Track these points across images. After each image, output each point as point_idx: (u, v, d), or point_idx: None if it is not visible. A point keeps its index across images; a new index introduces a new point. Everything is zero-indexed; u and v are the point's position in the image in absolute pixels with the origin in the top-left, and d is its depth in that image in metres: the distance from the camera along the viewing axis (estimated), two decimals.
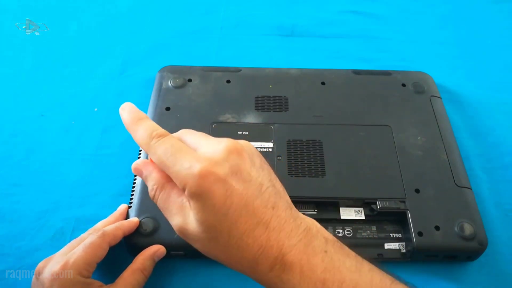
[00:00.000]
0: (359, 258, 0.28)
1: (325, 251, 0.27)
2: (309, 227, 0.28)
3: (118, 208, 0.41)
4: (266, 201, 0.27)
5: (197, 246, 0.28)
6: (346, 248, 0.28)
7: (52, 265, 0.33)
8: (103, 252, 0.35)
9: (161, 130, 0.29)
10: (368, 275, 0.27)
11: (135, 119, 0.30)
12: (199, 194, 0.26)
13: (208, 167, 0.26)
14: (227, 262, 0.28)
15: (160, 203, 0.29)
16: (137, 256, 0.37)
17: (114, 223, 0.38)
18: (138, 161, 0.31)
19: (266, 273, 0.27)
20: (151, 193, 0.29)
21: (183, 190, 0.27)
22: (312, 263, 0.26)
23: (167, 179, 0.28)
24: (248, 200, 0.26)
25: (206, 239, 0.27)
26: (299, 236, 0.27)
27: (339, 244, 0.28)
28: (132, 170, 0.31)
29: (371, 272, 0.27)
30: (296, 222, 0.28)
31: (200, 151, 0.28)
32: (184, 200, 0.27)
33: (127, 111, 0.31)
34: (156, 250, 0.37)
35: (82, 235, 0.37)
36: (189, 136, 0.30)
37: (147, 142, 0.28)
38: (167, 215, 0.29)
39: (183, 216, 0.27)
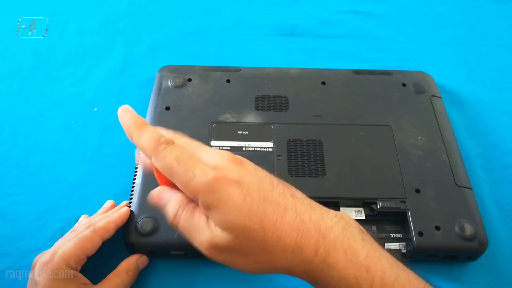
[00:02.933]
0: (392, 255, 0.28)
1: (362, 239, 0.27)
2: (340, 214, 0.28)
3: (120, 205, 0.41)
4: (282, 193, 0.27)
5: (234, 258, 0.27)
6: (378, 242, 0.28)
7: (43, 255, 0.35)
8: (93, 245, 0.36)
9: (167, 137, 0.28)
10: (405, 271, 0.27)
11: (138, 124, 0.29)
12: (217, 199, 0.25)
13: (221, 172, 0.26)
14: (271, 262, 0.27)
15: (183, 222, 0.28)
16: (123, 261, 0.38)
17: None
18: (156, 190, 0.30)
19: (311, 260, 0.26)
20: (171, 215, 0.28)
21: (196, 199, 0.26)
22: (354, 247, 0.26)
23: (189, 199, 0.28)
24: (266, 193, 0.26)
25: (242, 244, 0.26)
26: (332, 219, 0.27)
27: (371, 236, 0.28)
28: (150, 199, 0.30)
29: (406, 270, 0.27)
30: (323, 208, 0.27)
31: (205, 160, 0.27)
32: (206, 217, 0.27)
33: (128, 114, 0.30)
34: (139, 256, 0.38)
35: (78, 228, 0.38)
36: (186, 143, 0.29)
37: (153, 147, 0.28)
38: (193, 234, 0.27)
39: (210, 231, 0.26)
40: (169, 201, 0.29)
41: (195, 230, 0.27)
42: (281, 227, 0.26)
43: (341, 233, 0.26)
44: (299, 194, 0.28)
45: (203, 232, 0.27)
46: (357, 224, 0.28)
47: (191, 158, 0.27)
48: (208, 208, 0.26)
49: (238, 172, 0.26)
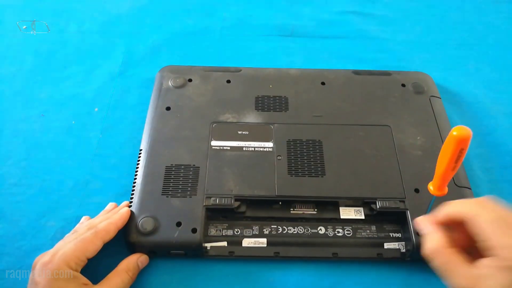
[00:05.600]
0: None
1: None
2: None
3: (120, 205, 0.41)
4: None
5: None
6: None
7: (44, 256, 0.35)
8: (94, 247, 0.36)
9: None
10: None
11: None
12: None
13: None
14: None
15: (441, 263, 0.30)
16: (123, 260, 0.38)
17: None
18: (422, 218, 0.34)
19: None
20: (430, 249, 0.31)
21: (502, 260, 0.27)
22: None
23: (450, 244, 0.30)
24: None
25: None
26: None
27: None
28: (415, 223, 0.35)
29: None
30: None
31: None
32: (473, 268, 0.29)
33: None
34: (139, 255, 0.39)
35: (79, 230, 0.38)
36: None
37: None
38: (447, 273, 0.30)
39: (472, 281, 0.28)
40: (431, 234, 0.32)
41: (451, 272, 0.30)
42: None
43: None
44: None
45: (462, 278, 0.29)
46: None
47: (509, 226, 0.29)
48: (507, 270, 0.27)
49: None
